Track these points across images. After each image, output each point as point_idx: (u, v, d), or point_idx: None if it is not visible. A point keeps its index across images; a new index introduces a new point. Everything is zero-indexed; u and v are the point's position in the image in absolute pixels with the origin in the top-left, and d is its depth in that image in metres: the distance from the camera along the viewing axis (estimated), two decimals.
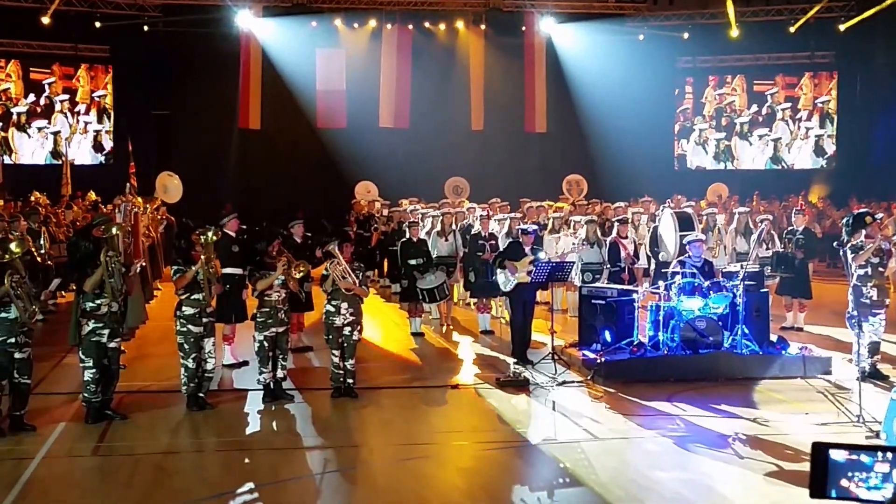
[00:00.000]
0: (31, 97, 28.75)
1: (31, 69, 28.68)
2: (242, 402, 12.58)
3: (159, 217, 21.99)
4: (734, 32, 27.42)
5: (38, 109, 28.78)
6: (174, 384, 12.44)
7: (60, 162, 27.43)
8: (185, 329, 12.01)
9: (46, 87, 28.74)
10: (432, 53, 30.12)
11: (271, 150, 28.18)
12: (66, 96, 28.97)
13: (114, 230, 11.57)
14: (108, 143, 29.14)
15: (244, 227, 14.94)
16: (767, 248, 17.02)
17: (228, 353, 14.38)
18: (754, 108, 31.16)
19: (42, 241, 17.41)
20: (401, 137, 29.08)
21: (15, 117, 28.48)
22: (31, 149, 28.80)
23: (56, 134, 28.84)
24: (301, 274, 12.65)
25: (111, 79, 29.19)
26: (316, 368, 14.22)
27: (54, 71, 28.78)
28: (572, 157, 28.54)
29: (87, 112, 29.24)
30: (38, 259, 16.25)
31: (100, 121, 29.42)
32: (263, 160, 28.08)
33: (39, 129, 28.79)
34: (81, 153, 29.13)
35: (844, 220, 14.13)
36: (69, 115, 29.02)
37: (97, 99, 29.13)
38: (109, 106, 29.13)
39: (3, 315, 10.91)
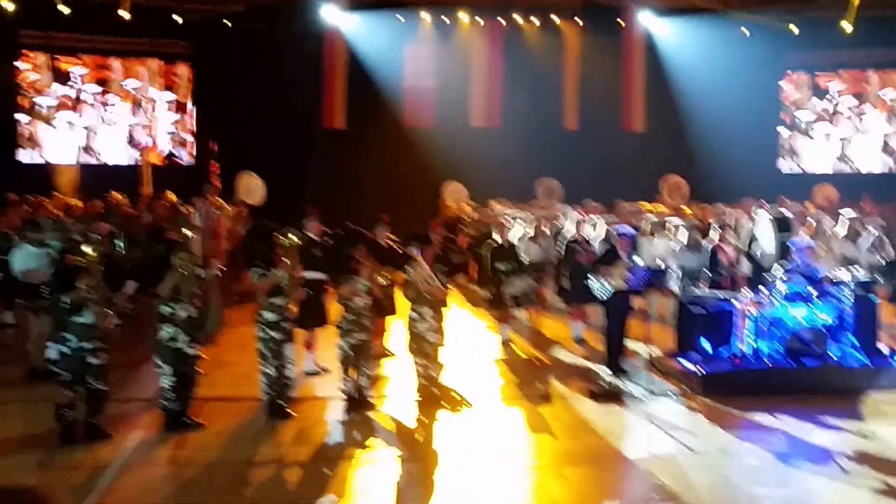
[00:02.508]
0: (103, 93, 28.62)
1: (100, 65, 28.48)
2: (324, 410, 12.19)
3: (242, 220, 21.70)
4: (848, 26, 26.22)
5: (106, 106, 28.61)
6: (254, 393, 12.12)
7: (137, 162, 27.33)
8: (265, 335, 11.68)
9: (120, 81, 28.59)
10: (525, 49, 29.38)
11: (357, 151, 27.56)
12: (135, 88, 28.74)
13: (187, 232, 11.30)
14: (188, 143, 28.92)
15: (327, 230, 14.50)
16: (879, 256, 16.15)
17: (310, 360, 13.97)
18: (869, 105, 29.83)
19: (121, 243, 17.17)
20: (491, 137, 28.40)
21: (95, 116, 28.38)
22: (109, 147, 28.64)
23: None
24: (386, 281, 12.23)
25: (192, 76, 28.94)
26: (400, 376, 13.72)
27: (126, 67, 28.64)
28: (671, 157, 27.56)
29: (169, 110, 29.10)
30: (118, 261, 16.06)
31: (178, 119, 29.23)
32: (348, 161, 27.44)
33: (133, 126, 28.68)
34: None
35: None
36: (150, 110, 28.87)
37: (175, 96, 28.93)
38: (189, 104, 28.95)
39: (79, 320, 10.71)
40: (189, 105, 28.93)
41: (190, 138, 28.92)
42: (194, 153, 28.70)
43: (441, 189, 26.66)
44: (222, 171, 23.27)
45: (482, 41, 28.99)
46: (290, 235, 11.76)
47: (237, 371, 13.82)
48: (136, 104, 28.32)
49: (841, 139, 30.06)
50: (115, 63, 28.06)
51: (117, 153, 28.12)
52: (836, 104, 29.97)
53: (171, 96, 28.70)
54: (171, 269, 11.07)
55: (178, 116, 28.89)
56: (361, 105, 27.87)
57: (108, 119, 27.94)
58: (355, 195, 26.32)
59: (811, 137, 30.20)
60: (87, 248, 10.81)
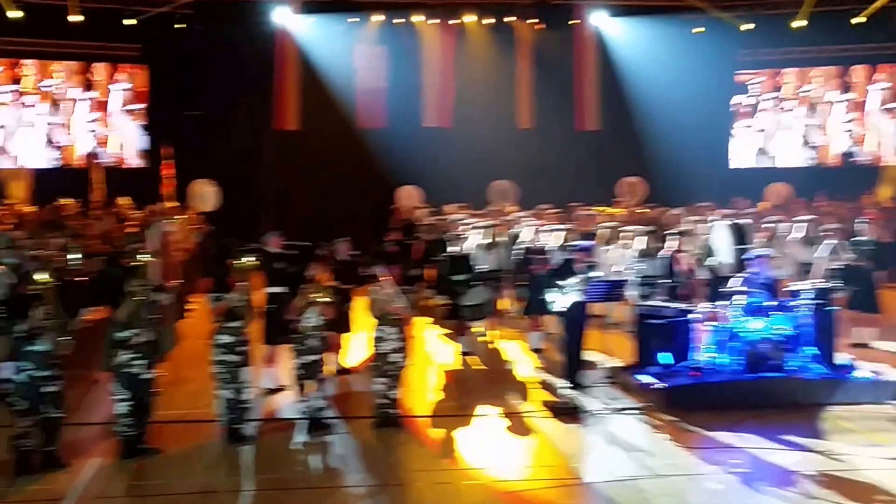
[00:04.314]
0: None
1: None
2: (282, 433, 12.01)
3: (195, 228, 21.46)
4: (799, 23, 26.30)
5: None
6: (210, 412, 11.91)
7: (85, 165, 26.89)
8: (221, 358, 11.53)
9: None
10: (478, 49, 29.35)
11: (310, 152, 27.29)
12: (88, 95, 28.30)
13: (142, 258, 11.13)
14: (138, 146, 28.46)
15: (286, 243, 14.30)
16: (834, 261, 16.17)
17: (268, 377, 13.81)
18: (828, 98, 29.89)
19: (76, 256, 16.85)
20: (444, 137, 28.22)
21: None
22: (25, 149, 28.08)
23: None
24: (325, 299, 12.01)
25: (143, 79, 28.44)
26: (358, 394, 13.58)
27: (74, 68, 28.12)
28: (626, 157, 27.65)
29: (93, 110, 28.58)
30: (70, 278, 15.82)
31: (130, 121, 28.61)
32: (302, 162, 27.21)
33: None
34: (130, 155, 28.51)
35: None
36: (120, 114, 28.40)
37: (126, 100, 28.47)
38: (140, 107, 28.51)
39: (34, 348, 10.52)
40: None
41: (129, 142, 28.41)
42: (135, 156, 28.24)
43: (395, 193, 26.56)
44: (175, 174, 23.02)
45: (434, 42, 28.82)
46: (245, 258, 11.58)
47: (193, 388, 13.61)
48: (55, 104, 27.80)
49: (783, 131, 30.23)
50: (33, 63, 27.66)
51: (34, 155, 27.56)
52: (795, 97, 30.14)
53: (94, 94, 28.08)
54: (127, 296, 10.88)
55: (129, 118, 28.42)
56: (314, 106, 27.64)
57: (26, 120, 27.40)
58: (310, 198, 26.19)
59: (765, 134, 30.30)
60: (40, 276, 10.59)
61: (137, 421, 11.11)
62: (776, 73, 29.91)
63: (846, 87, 29.49)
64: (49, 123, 27.32)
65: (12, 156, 26.94)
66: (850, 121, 29.32)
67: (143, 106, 28.21)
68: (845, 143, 29.33)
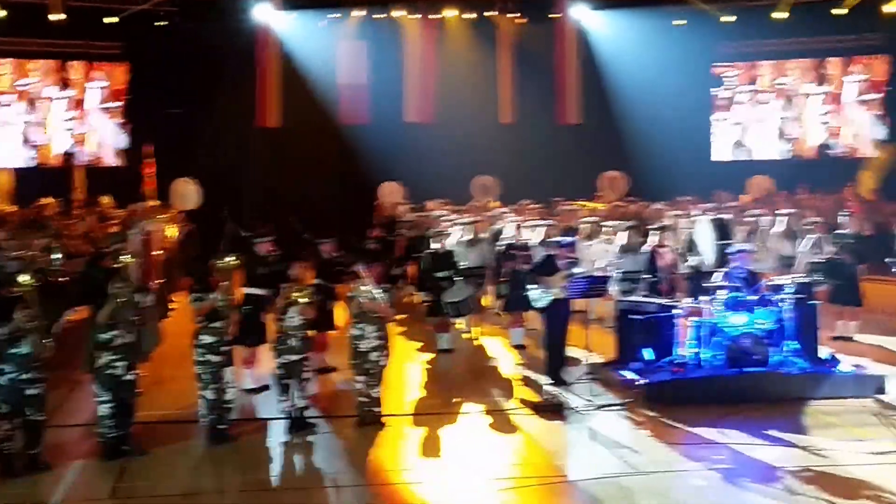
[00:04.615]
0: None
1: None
2: (264, 432, 12.03)
3: (177, 227, 21.38)
4: (780, 14, 26.37)
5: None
6: (194, 412, 11.91)
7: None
8: (203, 358, 11.51)
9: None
10: (459, 43, 29.29)
11: (292, 149, 27.21)
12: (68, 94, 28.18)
13: (124, 259, 11.09)
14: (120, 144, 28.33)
15: (273, 250, 14.25)
16: (816, 254, 16.21)
17: (248, 377, 13.80)
18: (804, 90, 29.95)
19: (58, 256, 16.77)
20: (426, 133, 28.18)
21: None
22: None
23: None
24: (305, 300, 11.98)
25: (125, 77, 28.31)
26: (341, 392, 13.58)
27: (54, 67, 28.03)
28: (607, 151, 27.62)
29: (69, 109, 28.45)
30: (53, 279, 15.75)
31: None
32: (284, 159, 27.09)
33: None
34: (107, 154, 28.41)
35: None
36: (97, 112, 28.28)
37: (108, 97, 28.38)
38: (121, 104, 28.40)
39: (16, 351, 10.47)
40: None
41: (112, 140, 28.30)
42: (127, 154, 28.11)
43: (377, 189, 26.53)
44: (157, 171, 22.93)
45: (415, 37, 28.80)
46: (227, 258, 11.54)
47: (176, 388, 13.62)
48: (31, 103, 27.68)
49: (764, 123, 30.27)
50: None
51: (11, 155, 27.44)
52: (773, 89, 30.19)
53: (71, 93, 27.96)
54: (108, 297, 10.84)
55: (108, 116, 28.31)
56: (296, 103, 27.58)
57: (2, 119, 27.31)
58: (292, 194, 26.13)
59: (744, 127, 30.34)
60: (23, 278, 10.55)
61: (120, 422, 11.08)
62: (752, 66, 29.98)
63: (822, 80, 29.58)
64: (25, 122, 27.17)
65: None
66: (826, 113, 29.40)
67: (120, 104, 28.12)
68: (822, 136, 29.40)
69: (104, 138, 28.10)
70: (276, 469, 10.98)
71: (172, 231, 20.44)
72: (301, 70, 27.62)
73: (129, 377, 11.09)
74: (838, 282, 16.01)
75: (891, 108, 28.56)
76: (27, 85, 27.38)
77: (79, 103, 28.04)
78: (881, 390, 13.01)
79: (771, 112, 29.87)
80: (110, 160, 28.03)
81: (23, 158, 27.20)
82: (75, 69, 27.81)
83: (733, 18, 27.36)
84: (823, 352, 13.93)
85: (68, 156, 27.37)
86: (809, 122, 29.57)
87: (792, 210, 18.82)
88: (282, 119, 27.93)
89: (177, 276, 19.46)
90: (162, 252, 17.68)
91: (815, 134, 29.54)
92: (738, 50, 29.69)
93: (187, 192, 23.28)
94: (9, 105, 27.25)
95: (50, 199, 21.97)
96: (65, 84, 27.89)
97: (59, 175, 26.49)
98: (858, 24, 27.35)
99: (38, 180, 25.85)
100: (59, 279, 16.05)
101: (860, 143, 29.07)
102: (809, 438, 11.38)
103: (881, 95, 28.72)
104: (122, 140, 28.07)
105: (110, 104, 28.19)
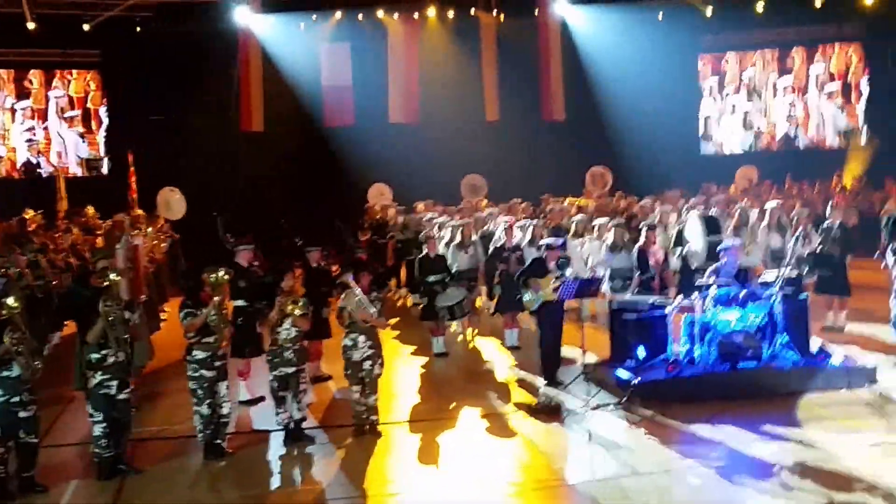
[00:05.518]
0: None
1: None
2: (262, 445, 12.01)
3: (163, 237, 21.31)
4: (760, 7, 26.44)
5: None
6: (189, 428, 11.87)
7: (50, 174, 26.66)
8: (197, 374, 11.45)
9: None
10: (441, 41, 29.24)
11: (277, 153, 27.12)
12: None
13: (113, 277, 11.03)
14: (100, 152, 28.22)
15: (254, 262, 14.21)
16: (804, 246, 16.23)
17: (244, 388, 13.78)
18: (783, 82, 30.03)
19: (42, 272, 16.63)
20: (412, 133, 28.14)
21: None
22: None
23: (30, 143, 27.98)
24: (300, 311, 11.94)
25: (102, 84, 28.28)
26: (337, 401, 13.60)
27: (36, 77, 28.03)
28: (593, 147, 27.62)
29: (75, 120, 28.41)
30: (40, 295, 15.68)
31: (88, 129, 28.47)
32: (269, 165, 26.99)
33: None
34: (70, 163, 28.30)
35: (884, 221, 13.55)
36: (60, 122, 28.17)
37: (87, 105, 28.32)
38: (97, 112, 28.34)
39: (6, 374, 10.41)
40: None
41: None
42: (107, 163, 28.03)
43: (365, 191, 26.50)
44: (140, 180, 22.86)
45: (398, 36, 28.76)
46: (218, 272, 11.47)
47: (170, 403, 13.66)
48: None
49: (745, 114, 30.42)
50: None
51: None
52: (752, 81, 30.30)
53: (28, 103, 27.98)
54: (98, 316, 10.79)
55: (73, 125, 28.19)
56: (280, 107, 27.54)
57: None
58: (280, 200, 26.09)
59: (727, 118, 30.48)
60: (9, 301, 10.48)
61: (115, 441, 11.04)
62: (718, 58, 30.12)
63: (786, 71, 29.76)
64: None
65: None
66: (791, 104, 29.58)
67: (78, 113, 28.04)
68: (788, 127, 29.60)
69: (66, 147, 28.00)
70: (274, 483, 10.94)
71: (159, 243, 20.31)
72: (284, 73, 27.62)
73: (122, 396, 11.03)
74: (826, 273, 16.10)
75: (871, 94, 28.74)
76: None
77: (40, 112, 28.04)
78: (873, 380, 13.08)
79: (737, 104, 30.20)
80: (73, 170, 27.95)
81: None
82: (37, 78, 27.77)
83: (710, 10, 27.41)
84: (815, 344, 13.93)
85: (33, 166, 27.32)
86: (775, 114, 29.93)
87: (779, 202, 18.82)
88: (266, 123, 27.84)
89: (165, 287, 19.41)
90: (149, 264, 17.59)
91: (781, 125, 29.88)
92: (720, 42, 29.80)
93: (173, 201, 23.19)
94: None
95: (30, 212, 21.79)
96: (26, 94, 27.86)
97: (29, 186, 26.42)
98: (838, 14, 27.54)
99: (18, 191, 25.81)
100: (47, 293, 16.00)
101: (826, 134, 29.42)
102: (803, 432, 11.40)
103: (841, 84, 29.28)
104: (84, 150, 27.96)
105: (72, 113, 28.11)
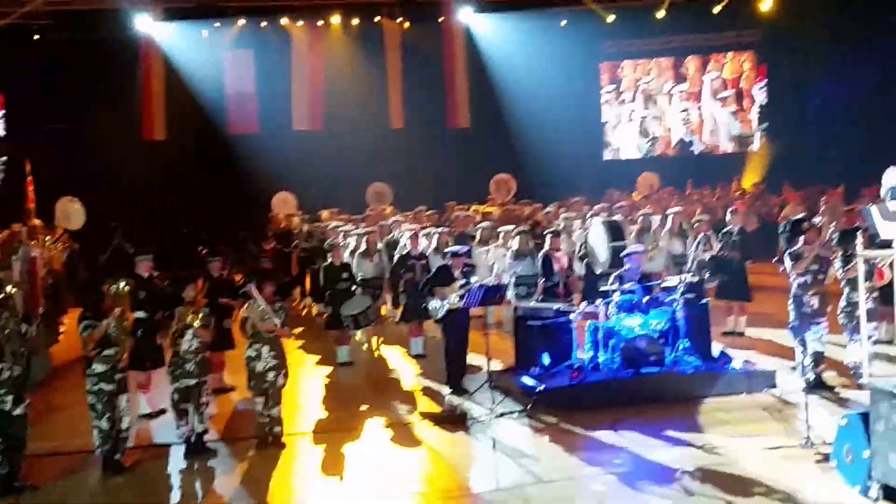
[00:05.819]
0: None
1: None
2: (162, 459, 11.77)
3: (61, 248, 20.84)
4: (661, 13, 26.81)
5: None
6: (87, 443, 11.55)
7: None
8: (96, 388, 11.18)
9: None
10: (346, 49, 29.16)
11: (180, 162, 26.83)
12: None
13: (9, 289, 10.75)
14: None
15: (154, 272, 13.95)
16: (705, 252, 16.45)
17: (144, 401, 13.53)
18: (680, 89, 30.53)
19: None
20: (316, 140, 27.99)
21: None
22: None
23: None
24: (200, 322, 11.77)
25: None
26: (240, 412, 13.44)
27: None
28: (498, 154, 27.78)
29: None
30: None
31: None
32: (172, 173, 26.72)
33: None
34: None
35: (781, 227, 13.78)
36: None
37: None
38: None
39: None
40: None
41: None
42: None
43: (269, 200, 26.28)
44: (38, 189, 22.34)
45: (302, 43, 28.60)
46: (119, 283, 11.25)
47: (67, 417, 13.34)
48: None
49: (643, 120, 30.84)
50: None
51: None
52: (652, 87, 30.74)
53: None
54: None
55: None
56: (182, 114, 27.19)
57: None
58: (182, 209, 25.74)
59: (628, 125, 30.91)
60: None
61: (11, 458, 10.74)
62: (615, 66, 30.55)
63: (681, 78, 30.31)
64: None
65: None
66: (685, 110, 30.13)
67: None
68: (683, 133, 30.16)
69: None
70: (174, 497, 10.74)
71: (57, 253, 19.88)
72: (187, 81, 27.27)
73: (18, 411, 10.72)
74: (727, 278, 16.37)
75: (767, 100, 29.38)
76: None
77: None
78: (772, 384, 13.29)
79: (634, 111, 30.72)
80: None
81: None
82: None
83: (613, 17, 27.70)
84: (716, 349, 14.13)
85: None
86: (671, 120, 30.49)
87: (680, 208, 19.08)
88: (168, 131, 27.47)
89: (64, 298, 18.98)
90: (47, 276, 17.22)
91: (677, 131, 30.47)
92: (622, 49, 30.17)
93: (71, 211, 22.71)
94: None
95: None
96: None
97: None
98: (734, 22, 28.08)
99: None
100: None
101: (720, 139, 29.89)
102: (704, 437, 11.52)
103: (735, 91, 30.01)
104: None
105: None
